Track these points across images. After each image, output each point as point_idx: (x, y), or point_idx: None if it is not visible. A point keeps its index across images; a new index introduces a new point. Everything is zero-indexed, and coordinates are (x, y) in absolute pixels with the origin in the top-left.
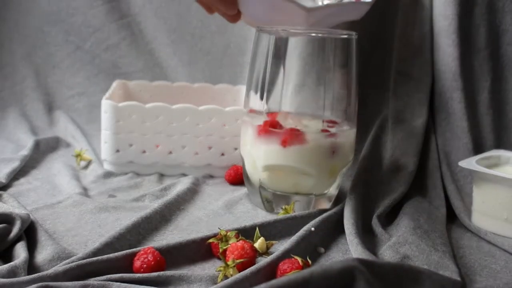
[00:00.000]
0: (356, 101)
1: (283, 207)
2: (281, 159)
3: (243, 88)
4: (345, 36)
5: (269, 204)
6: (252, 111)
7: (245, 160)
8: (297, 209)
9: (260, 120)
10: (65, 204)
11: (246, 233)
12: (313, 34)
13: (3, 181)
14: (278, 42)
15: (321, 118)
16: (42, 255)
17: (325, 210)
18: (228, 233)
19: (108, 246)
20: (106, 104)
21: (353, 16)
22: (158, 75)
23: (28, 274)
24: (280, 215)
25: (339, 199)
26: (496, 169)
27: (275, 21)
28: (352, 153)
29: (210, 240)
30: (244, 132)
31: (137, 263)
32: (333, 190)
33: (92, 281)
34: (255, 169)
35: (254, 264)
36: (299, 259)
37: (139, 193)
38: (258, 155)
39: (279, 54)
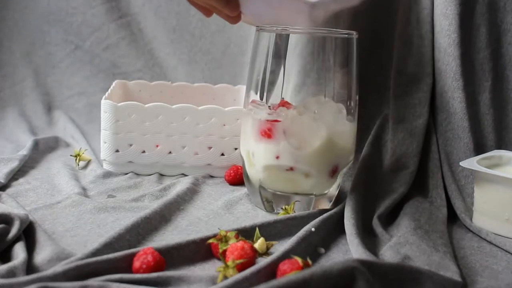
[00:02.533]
0: (356, 101)
1: (283, 207)
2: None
3: (243, 88)
4: (346, 36)
5: (269, 204)
6: (254, 101)
7: (245, 160)
8: (297, 209)
9: (262, 114)
10: (64, 204)
11: (246, 233)
12: (314, 33)
13: (2, 181)
14: (278, 42)
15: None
16: (41, 255)
17: (325, 210)
18: (228, 234)
19: (107, 247)
20: (105, 104)
21: (352, 2)
22: (157, 75)
23: (27, 274)
24: (280, 215)
25: (339, 199)
26: (498, 169)
27: (277, 19)
28: (353, 153)
29: (210, 241)
30: (244, 127)
31: (136, 264)
32: (333, 190)
33: (91, 281)
34: (254, 169)
35: (254, 264)
36: (299, 260)
37: (138, 193)
38: (258, 155)
39: (279, 53)
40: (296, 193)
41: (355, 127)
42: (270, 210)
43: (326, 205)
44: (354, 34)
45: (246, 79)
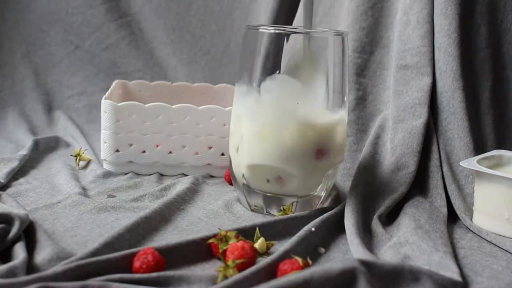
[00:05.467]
0: (347, 100)
1: (282, 207)
2: (263, 158)
3: None
4: (337, 34)
5: (256, 207)
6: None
7: (232, 160)
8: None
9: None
10: (64, 204)
11: (246, 233)
12: (306, 33)
13: (2, 181)
14: (269, 41)
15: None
16: (41, 255)
17: (325, 210)
18: (228, 233)
19: (107, 246)
20: (105, 104)
21: None
22: (157, 75)
23: (27, 274)
24: (279, 215)
25: (339, 199)
26: (498, 169)
27: None
28: (342, 155)
29: (210, 241)
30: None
31: (136, 264)
32: (319, 192)
33: (91, 281)
34: (239, 168)
35: (254, 264)
36: (299, 260)
37: (138, 193)
38: (242, 154)
39: (270, 52)
40: (282, 195)
41: (345, 124)
42: (260, 211)
43: (310, 207)
44: (345, 33)
45: (237, 78)
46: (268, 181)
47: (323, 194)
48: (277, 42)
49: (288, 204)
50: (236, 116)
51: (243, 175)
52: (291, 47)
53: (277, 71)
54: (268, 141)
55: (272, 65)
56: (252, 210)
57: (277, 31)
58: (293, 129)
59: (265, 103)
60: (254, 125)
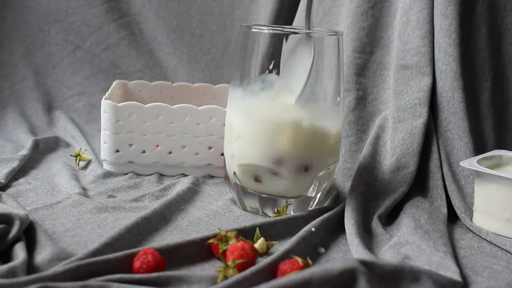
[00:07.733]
0: (342, 101)
1: (276, 209)
2: (253, 158)
3: None
4: (332, 34)
5: (252, 208)
6: None
7: (225, 159)
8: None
9: None
10: (65, 204)
11: (246, 233)
12: (300, 33)
13: (2, 181)
14: (263, 41)
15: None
16: (41, 255)
17: (325, 210)
18: (228, 234)
19: (107, 247)
20: (105, 104)
21: None
22: (157, 75)
23: (27, 274)
24: (274, 217)
25: (339, 199)
26: (498, 169)
27: None
28: (336, 156)
29: (210, 241)
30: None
31: (136, 264)
32: (311, 194)
33: (91, 281)
34: (231, 167)
35: (254, 264)
36: (299, 260)
37: (138, 193)
38: (233, 153)
39: (262, 52)
40: (276, 196)
41: (339, 125)
42: (256, 213)
43: (303, 209)
44: (340, 33)
45: (232, 79)
46: None
47: (316, 195)
48: (270, 42)
49: (282, 206)
50: (228, 115)
51: (234, 173)
52: (289, 47)
53: (267, 71)
54: (258, 141)
55: (264, 65)
56: (247, 211)
57: (271, 31)
58: (283, 129)
59: (255, 102)
60: (244, 125)
